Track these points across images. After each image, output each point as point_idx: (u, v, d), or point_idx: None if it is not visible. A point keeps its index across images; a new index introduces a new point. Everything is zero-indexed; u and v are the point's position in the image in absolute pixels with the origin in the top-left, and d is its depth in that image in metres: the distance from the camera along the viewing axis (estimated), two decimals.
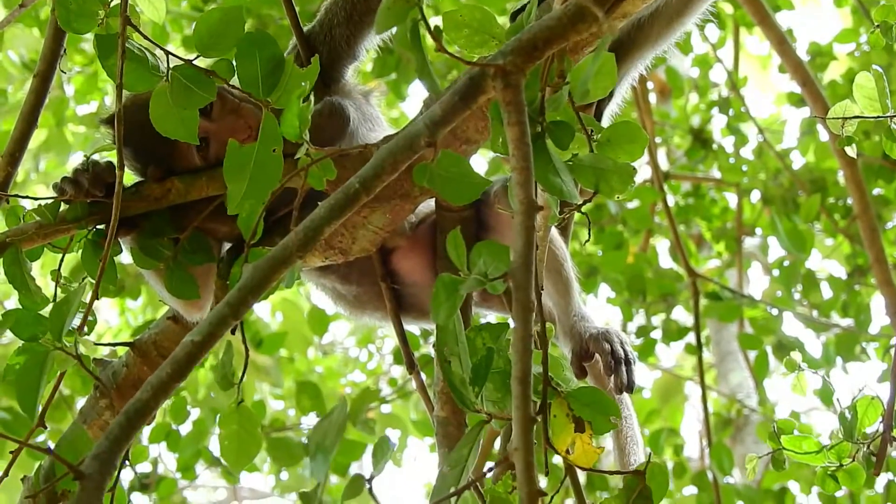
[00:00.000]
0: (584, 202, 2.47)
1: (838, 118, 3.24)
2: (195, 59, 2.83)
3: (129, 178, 3.37)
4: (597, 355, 3.64)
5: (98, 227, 3.19)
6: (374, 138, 3.38)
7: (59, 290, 3.06)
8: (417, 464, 20.60)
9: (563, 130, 2.34)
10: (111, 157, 3.05)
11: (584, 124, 2.41)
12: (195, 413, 7.61)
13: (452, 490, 2.18)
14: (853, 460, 3.26)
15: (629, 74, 3.76)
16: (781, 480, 8.21)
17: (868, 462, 3.28)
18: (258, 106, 2.71)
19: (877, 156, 7.56)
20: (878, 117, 3.21)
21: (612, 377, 3.58)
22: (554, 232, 3.79)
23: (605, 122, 3.70)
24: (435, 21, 2.29)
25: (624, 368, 3.59)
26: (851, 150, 3.32)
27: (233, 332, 2.41)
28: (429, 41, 2.35)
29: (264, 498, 14.51)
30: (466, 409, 2.26)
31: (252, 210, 2.47)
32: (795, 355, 3.41)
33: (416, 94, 9.84)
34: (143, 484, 7.61)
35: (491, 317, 4.02)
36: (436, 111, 2.22)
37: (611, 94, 3.68)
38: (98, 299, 2.87)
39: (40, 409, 2.75)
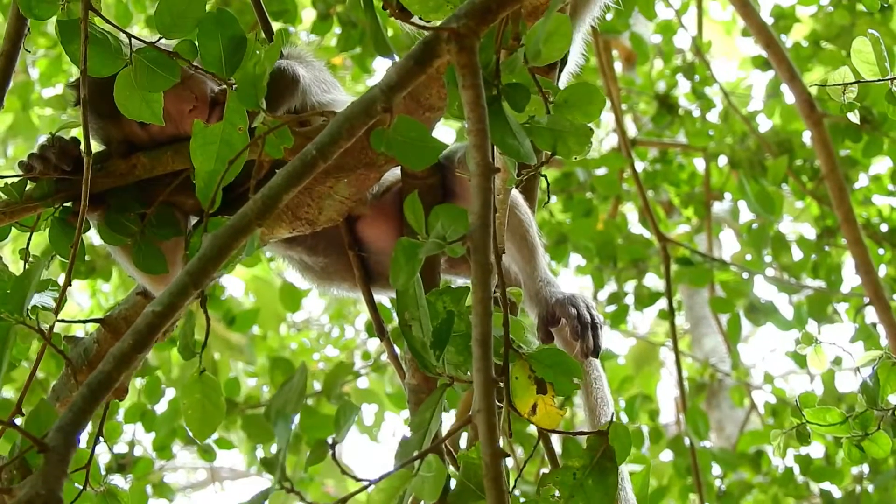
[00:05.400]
0: (541, 164, 2.48)
1: (839, 84, 3.23)
2: (158, 40, 2.82)
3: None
4: (563, 320, 3.65)
5: (65, 204, 3.19)
6: (328, 100, 3.38)
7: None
8: (396, 438, 20.68)
9: (518, 93, 2.34)
10: (77, 134, 3.05)
11: (540, 86, 2.41)
12: (170, 393, 7.62)
13: (416, 454, 2.19)
14: (878, 429, 3.26)
15: (580, 32, 3.75)
16: (757, 444, 8.24)
17: (894, 429, 3.27)
18: (215, 82, 2.70)
19: (843, 116, 7.52)
20: (879, 80, 3.20)
21: (579, 342, 3.59)
22: (519, 198, 3.80)
23: (563, 84, 3.69)
24: None
25: (590, 333, 3.60)
26: (854, 116, 3.31)
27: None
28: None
29: (243, 477, 14.53)
30: (428, 372, 2.27)
31: (210, 180, 2.47)
32: (811, 328, 3.40)
33: (382, 69, 9.81)
34: (120, 465, 7.61)
35: (460, 283, 4.03)
36: (391, 76, 2.23)
37: (565, 59, 3.67)
38: (70, 285, 2.87)
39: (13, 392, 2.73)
